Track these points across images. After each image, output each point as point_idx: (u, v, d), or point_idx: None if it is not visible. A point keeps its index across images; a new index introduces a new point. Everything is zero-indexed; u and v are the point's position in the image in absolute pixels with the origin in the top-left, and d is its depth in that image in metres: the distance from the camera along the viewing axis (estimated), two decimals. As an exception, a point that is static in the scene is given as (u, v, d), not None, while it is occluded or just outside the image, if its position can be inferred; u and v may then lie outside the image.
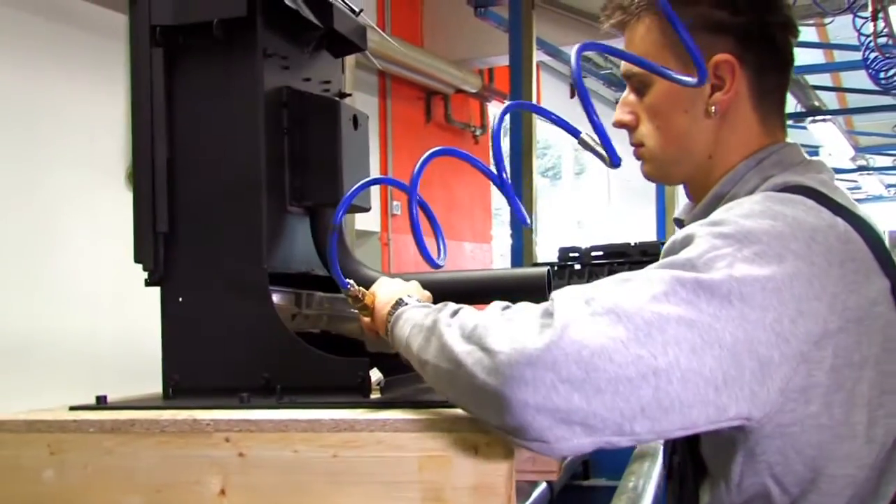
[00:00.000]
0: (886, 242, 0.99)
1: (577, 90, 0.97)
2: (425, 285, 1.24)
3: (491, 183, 1.11)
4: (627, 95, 1.11)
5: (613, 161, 1.03)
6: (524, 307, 0.93)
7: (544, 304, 0.90)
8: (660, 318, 0.85)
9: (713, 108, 1.04)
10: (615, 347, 0.83)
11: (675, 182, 1.14)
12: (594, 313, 0.85)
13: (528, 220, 1.12)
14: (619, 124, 1.11)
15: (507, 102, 5.98)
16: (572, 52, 0.97)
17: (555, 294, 0.91)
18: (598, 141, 1.03)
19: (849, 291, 0.91)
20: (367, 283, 1.22)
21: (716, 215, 0.96)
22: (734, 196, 1.03)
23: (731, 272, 0.87)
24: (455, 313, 0.99)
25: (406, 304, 1.11)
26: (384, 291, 1.17)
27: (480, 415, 0.91)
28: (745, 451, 0.93)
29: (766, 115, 1.07)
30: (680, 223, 1.14)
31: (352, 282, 1.17)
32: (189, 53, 1.30)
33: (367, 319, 1.19)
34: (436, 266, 1.14)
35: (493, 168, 1.08)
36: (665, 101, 1.06)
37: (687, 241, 0.93)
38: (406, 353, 1.05)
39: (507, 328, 0.88)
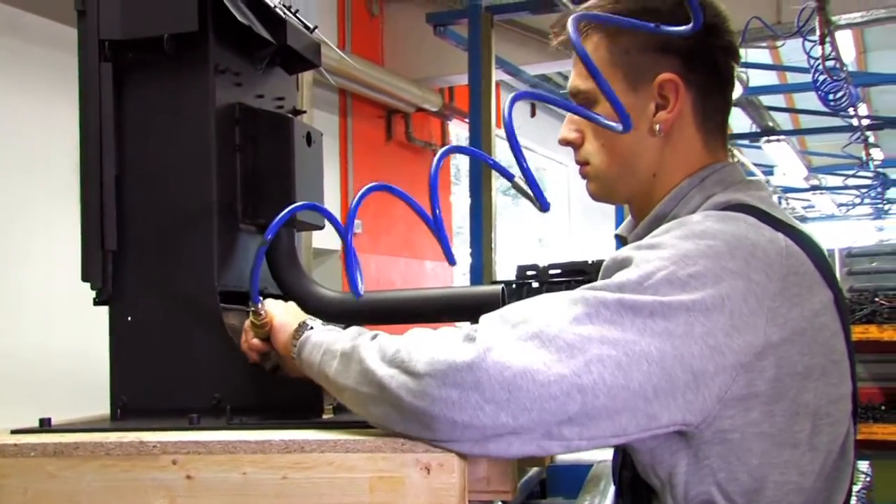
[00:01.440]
0: (836, 258, 1.01)
1: (508, 138, 0.98)
2: (381, 303, 1.23)
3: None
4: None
5: (543, 206, 1.03)
6: (447, 331, 0.94)
7: (467, 329, 0.92)
8: (581, 339, 0.87)
9: (657, 126, 1.06)
10: (537, 369, 0.86)
11: (619, 201, 1.15)
12: (518, 338, 0.88)
13: (455, 260, 1.11)
14: (565, 142, 1.12)
15: (466, 121, 6.01)
16: (505, 102, 0.97)
17: (482, 318, 0.93)
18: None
19: (791, 304, 0.93)
20: (318, 299, 1.21)
21: (654, 237, 0.98)
22: (676, 215, 1.05)
23: (658, 296, 0.89)
24: (374, 338, 1.00)
25: (311, 327, 1.12)
26: (281, 312, 1.18)
27: (408, 432, 0.93)
28: (689, 458, 0.94)
29: (708, 135, 1.09)
30: (622, 240, 1.15)
31: (262, 300, 1.17)
32: (139, 69, 1.29)
33: (255, 341, 1.19)
34: (357, 294, 1.12)
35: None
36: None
37: (624, 264, 0.95)
38: (318, 378, 1.06)
39: (430, 351, 0.90)
